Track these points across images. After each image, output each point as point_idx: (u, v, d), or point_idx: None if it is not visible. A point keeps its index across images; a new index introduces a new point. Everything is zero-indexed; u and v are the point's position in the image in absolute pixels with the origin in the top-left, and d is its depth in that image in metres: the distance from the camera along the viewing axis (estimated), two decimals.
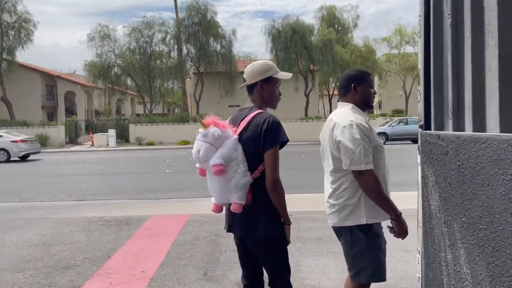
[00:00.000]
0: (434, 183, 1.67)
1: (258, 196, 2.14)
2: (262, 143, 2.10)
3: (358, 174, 2.18)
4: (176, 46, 34.45)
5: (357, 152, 2.14)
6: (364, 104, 2.41)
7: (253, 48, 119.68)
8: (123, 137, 28.14)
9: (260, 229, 2.14)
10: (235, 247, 2.45)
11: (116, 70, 34.75)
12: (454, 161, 1.49)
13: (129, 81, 36.05)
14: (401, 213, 2.27)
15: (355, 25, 35.54)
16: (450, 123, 1.82)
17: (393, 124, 23.52)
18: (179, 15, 34.45)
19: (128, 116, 37.01)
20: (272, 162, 2.08)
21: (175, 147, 25.76)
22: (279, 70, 2.35)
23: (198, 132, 2.17)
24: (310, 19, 41.88)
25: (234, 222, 2.27)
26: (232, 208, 2.13)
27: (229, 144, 2.12)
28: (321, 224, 5.71)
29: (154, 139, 27.54)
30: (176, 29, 33.54)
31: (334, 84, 37.18)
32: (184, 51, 34.79)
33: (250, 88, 2.29)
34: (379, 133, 20.36)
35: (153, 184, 10.58)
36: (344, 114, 2.32)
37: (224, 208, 2.30)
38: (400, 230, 2.27)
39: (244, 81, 2.30)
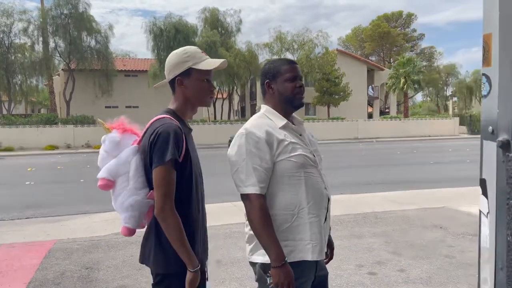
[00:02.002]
0: None
1: (154, 221, 1.74)
2: (150, 158, 1.70)
3: (242, 198, 1.77)
4: (41, 39, 30.41)
5: (239, 169, 1.75)
6: (286, 102, 1.86)
7: (133, 47, 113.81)
8: None
9: (150, 261, 1.76)
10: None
11: None
12: None
13: None
14: (285, 261, 1.70)
15: (238, 30, 35.86)
16: None
17: None
18: (44, 4, 30.51)
19: None
20: (158, 184, 1.65)
21: (40, 152, 22.54)
22: (205, 57, 1.84)
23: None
24: (194, 20, 40.93)
25: None
26: (121, 232, 1.80)
27: (122, 154, 1.77)
28: (221, 242, 5.02)
29: (13, 144, 23.74)
30: (41, 19, 29.59)
31: (218, 88, 36.99)
32: (52, 44, 30.90)
33: (171, 85, 1.85)
34: None
35: (7, 199, 8.63)
36: (250, 120, 1.89)
37: None
38: (277, 282, 1.69)
39: None
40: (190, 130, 1.86)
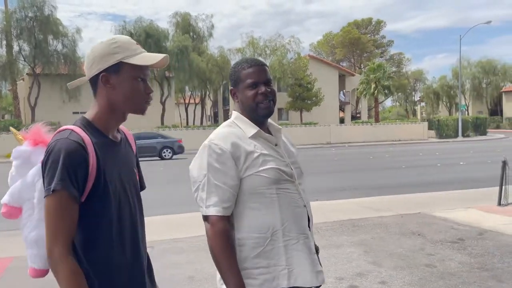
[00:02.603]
0: None
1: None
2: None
3: (203, 220, 1.54)
4: (4, 42, 29.12)
5: (199, 187, 1.53)
6: (250, 112, 1.61)
7: None
8: None
9: None
10: None
11: None
12: None
13: None
14: None
15: (210, 35, 35.63)
16: None
17: None
18: (8, 6, 29.27)
19: None
20: (46, 219, 1.26)
21: (3, 161, 21.45)
22: (141, 50, 1.40)
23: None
24: (165, 24, 40.41)
25: None
26: (28, 273, 1.41)
27: (28, 174, 1.38)
28: (192, 255, 4.75)
29: None
30: (5, 22, 28.36)
31: (190, 93, 36.55)
32: (16, 48, 29.66)
33: (92, 83, 1.40)
34: None
35: None
36: (217, 129, 1.66)
37: None
38: None
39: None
40: (116, 143, 1.42)
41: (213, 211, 1.49)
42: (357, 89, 37.32)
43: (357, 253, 4.73)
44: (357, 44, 52.61)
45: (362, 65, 53.14)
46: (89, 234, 1.30)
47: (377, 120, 35.46)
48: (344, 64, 53.77)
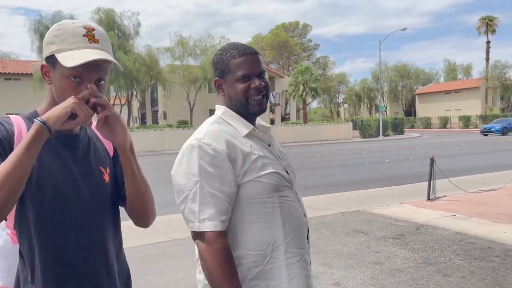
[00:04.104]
0: None
1: None
2: None
3: (194, 238, 1.29)
4: None
5: (189, 197, 1.27)
6: (239, 109, 1.38)
7: (14, 48, 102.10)
8: None
9: None
10: None
11: None
12: None
13: None
14: None
15: (137, 33, 34.09)
16: None
17: None
18: None
19: None
20: None
21: None
22: (82, 44, 1.17)
23: None
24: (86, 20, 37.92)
25: None
26: None
27: None
28: (135, 268, 4.31)
29: None
30: None
31: (116, 93, 34.73)
32: None
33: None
34: None
35: None
36: (201, 126, 1.39)
37: None
38: None
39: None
40: (71, 136, 1.25)
41: (209, 226, 1.23)
42: (286, 90, 38.17)
43: None
44: (285, 46, 53.96)
45: (290, 67, 54.59)
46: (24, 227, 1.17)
47: (305, 121, 36.55)
48: (273, 66, 54.85)
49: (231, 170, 1.27)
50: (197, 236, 1.26)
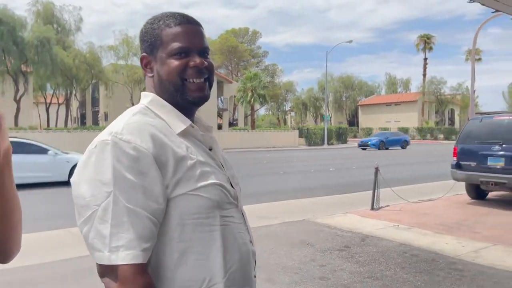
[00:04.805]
0: None
1: None
2: None
3: (102, 273, 0.93)
4: None
5: (96, 215, 0.90)
6: (173, 95, 1.05)
7: None
8: None
9: None
10: None
11: None
12: None
13: None
14: None
15: (78, 28, 32.20)
16: None
17: None
18: None
19: None
20: None
21: None
22: None
23: None
24: (23, 12, 35.43)
25: None
26: None
27: None
28: None
29: None
30: None
31: (53, 91, 32.58)
32: None
33: None
34: None
35: None
36: (120, 117, 1.04)
37: None
38: None
39: None
40: None
41: (125, 258, 0.87)
42: (235, 96, 37.96)
43: None
44: (235, 52, 53.80)
45: (239, 73, 54.52)
46: None
47: (253, 127, 36.55)
48: (222, 71, 54.48)
49: (159, 178, 0.93)
50: (107, 271, 0.89)
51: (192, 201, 0.96)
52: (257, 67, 56.40)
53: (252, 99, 34.60)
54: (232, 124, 43.66)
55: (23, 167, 9.26)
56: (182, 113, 1.05)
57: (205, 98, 1.07)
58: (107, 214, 0.89)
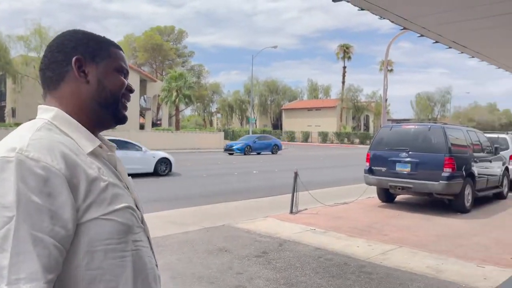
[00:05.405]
0: None
1: None
2: None
3: None
4: None
5: None
6: (107, 107, 1.03)
7: None
8: None
9: None
10: None
11: None
12: None
13: None
14: None
15: None
16: None
17: None
18: None
19: None
20: None
21: None
22: None
23: None
24: None
25: None
26: None
27: None
28: None
29: None
30: None
31: None
32: None
33: None
34: None
35: None
36: (19, 131, 0.93)
37: None
38: None
39: None
40: None
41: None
42: (159, 95, 36.89)
43: (162, 280, 4.10)
44: (159, 50, 52.28)
45: (164, 72, 53.11)
46: None
47: (177, 128, 35.79)
48: (146, 69, 52.64)
49: (70, 202, 0.85)
50: None
51: (103, 226, 0.89)
52: (183, 66, 55.41)
53: (177, 99, 33.89)
54: (155, 124, 42.38)
55: (125, 161, 10.68)
56: (90, 131, 0.99)
57: (126, 120, 1.09)
58: (6, 242, 0.78)
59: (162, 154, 14.06)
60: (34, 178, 0.82)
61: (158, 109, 44.61)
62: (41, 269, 0.79)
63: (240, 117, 65.52)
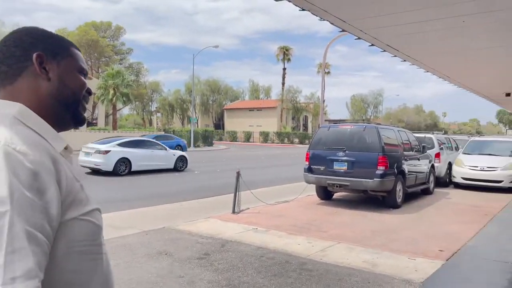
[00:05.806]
0: None
1: None
2: None
3: None
4: None
5: None
6: (67, 107, 1.00)
7: None
8: None
9: None
10: None
11: None
12: None
13: None
14: None
15: None
16: None
17: None
18: None
19: None
20: None
21: None
22: None
23: None
24: None
25: None
26: None
27: None
28: None
29: None
30: None
31: None
32: None
33: None
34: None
35: None
36: None
37: None
38: None
39: None
40: None
41: (24, 286, 0.73)
42: (95, 93, 35.16)
43: None
44: (95, 46, 49.84)
45: (100, 69, 50.76)
46: None
47: (115, 128, 34.39)
48: None
49: (57, 198, 0.83)
50: None
51: (81, 227, 0.88)
52: (121, 64, 53.28)
53: (114, 98, 32.53)
54: (91, 123, 40.38)
55: (153, 159, 14.59)
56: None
57: (85, 122, 1.06)
58: (1, 238, 0.74)
59: (180, 152, 16.24)
60: (25, 172, 0.78)
61: (94, 107, 42.56)
62: (36, 267, 0.75)
63: (181, 116, 64.43)
